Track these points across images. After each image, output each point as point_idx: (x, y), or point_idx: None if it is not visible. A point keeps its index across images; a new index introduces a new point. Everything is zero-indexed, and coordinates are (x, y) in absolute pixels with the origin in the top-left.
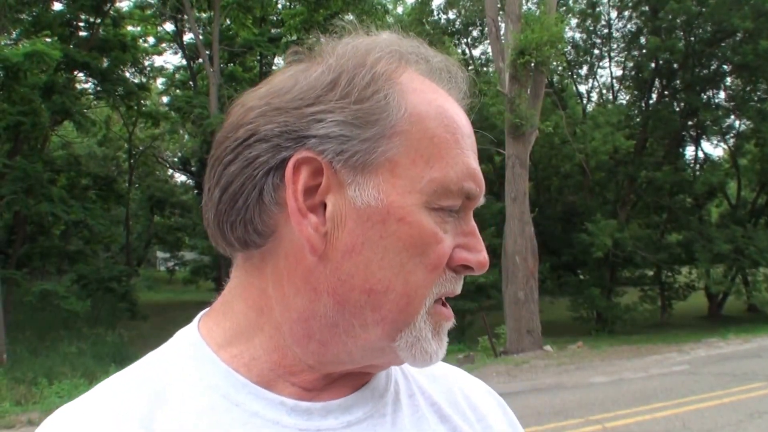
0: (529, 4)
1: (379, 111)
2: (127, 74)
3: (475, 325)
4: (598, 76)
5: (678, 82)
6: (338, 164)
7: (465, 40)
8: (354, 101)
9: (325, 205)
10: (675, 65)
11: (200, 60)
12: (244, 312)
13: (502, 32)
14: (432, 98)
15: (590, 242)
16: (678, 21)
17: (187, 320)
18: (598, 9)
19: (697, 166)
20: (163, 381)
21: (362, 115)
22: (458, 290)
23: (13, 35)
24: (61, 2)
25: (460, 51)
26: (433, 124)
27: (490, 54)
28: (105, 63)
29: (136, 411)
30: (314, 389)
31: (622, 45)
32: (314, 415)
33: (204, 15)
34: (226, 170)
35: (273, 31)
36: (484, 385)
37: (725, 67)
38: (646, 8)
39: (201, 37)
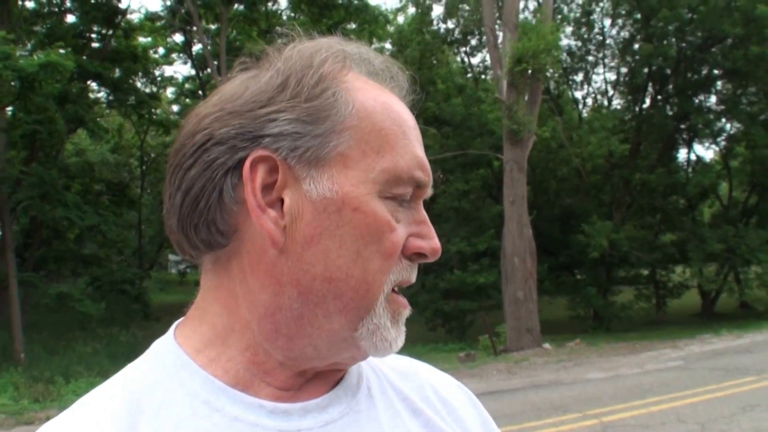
0: (525, 13)
1: (329, 107)
2: (139, 84)
3: (476, 325)
4: (593, 82)
5: (670, 87)
6: (293, 160)
7: (464, 48)
8: (304, 99)
9: (282, 201)
10: (667, 71)
11: (208, 70)
12: (217, 314)
13: (499, 41)
14: (377, 95)
15: (587, 243)
16: (670, 28)
17: None
18: (592, 17)
19: (690, 169)
20: (141, 391)
21: (313, 112)
22: (413, 279)
23: (29, 47)
24: (74, 15)
25: (459, 59)
26: (380, 118)
27: (489, 62)
28: (117, 73)
29: (115, 423)
30: (289, 389)
31: (616, 52)
32: (293, 416)
33: (212, 27)
34: (186, 175)
35: (278, 41)
36: (452, 379)
37: (716, 72)
38: (639, 16)
39: (209, 47)
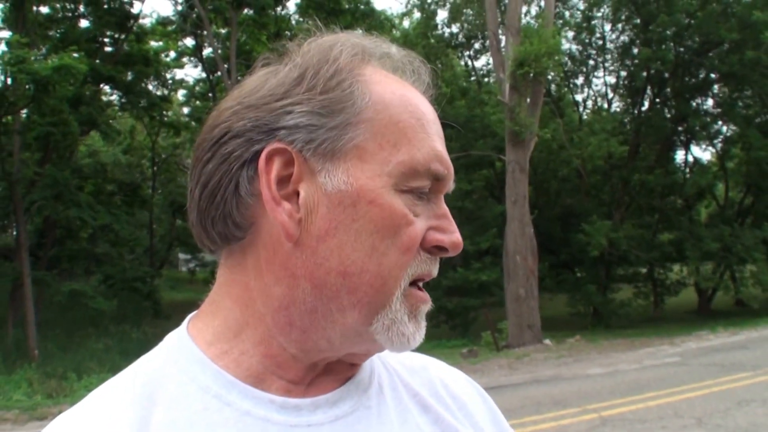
0: (528, 18)
1: (345, 100)
2: (150, 87)
3: (479, 321)
4: (593, 86)
5: (668, 90)
6: (308, 153)
7: (467, 52)
8: (320, 92)
9: (298, 194)
10: (665, 74)
11: (219, 73)
12: (230, 308)
13: (502, 45)
14: (395, 88)
15: (587, 242)
16: (668, 32)
17: None
18: (593, 22)
19: (687, 170)
20: (154, 384)
21: (328, 104)
22: (434, 272)
23: (43, 51)
24: (87, 20)
25: (462, 63)
26: (398, 110)
27: (492, 65)
28: (129, 76)
29: (129, 416)
30: (301, 382)
31: (616, 56)
32: (303, 411)
33: (222, 31)
34: (205, 169)
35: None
36: (462, 374)
37: (713, 75)
38: (638, 21)
39: (219, 51)
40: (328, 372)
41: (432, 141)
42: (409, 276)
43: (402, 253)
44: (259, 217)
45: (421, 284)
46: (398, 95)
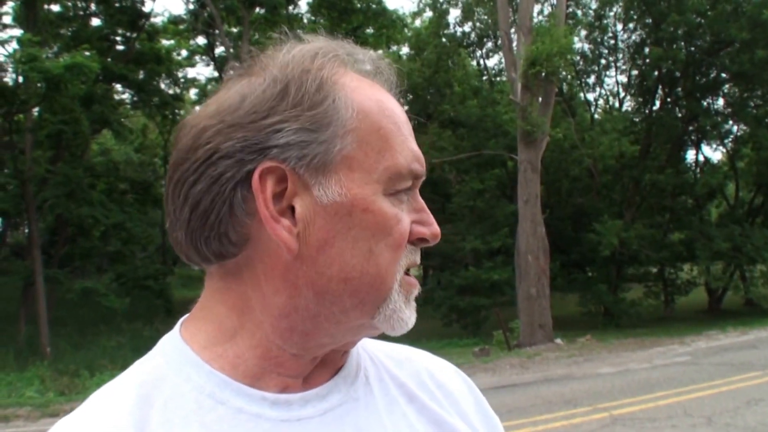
0: (539, 17)
1: (331, 113)
2: (162, 85)
3: (490, 320)
4: (604, 85)
5: (679, 89)
6: (301, 168)
7: (479, 51)
8: (307, 108)
9: (293, 208)
10: (677, 74)
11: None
12: (224, 314)
13: (514, 44)
14: (370, 94)
15: (598, 241)
16: (679, 32)
17: None
18: (604, 21)
19: (698, 169)
20: (150, 386)
21: (317, 119)
22: (418, 260)
23: (55, 49)
24: (99, 18)
25: (474, 62)
26: (378, 117)
27: (503, 65)
28: (141, 75)
29: (127, 419)
30: (300, 375)
31: (627, 55)
32: (294, 406)
33: (234, 30)
34: (192, 190)
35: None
36: (448, 364)
37: (724, 75)
38: (650, 20)
39: (231, 50)
40: (321, 363)
41: (409, 143)
42: (402, 268)
43: (394, 251)
44: (255, 233)
45: (410, 271)
46: (375, 101)
